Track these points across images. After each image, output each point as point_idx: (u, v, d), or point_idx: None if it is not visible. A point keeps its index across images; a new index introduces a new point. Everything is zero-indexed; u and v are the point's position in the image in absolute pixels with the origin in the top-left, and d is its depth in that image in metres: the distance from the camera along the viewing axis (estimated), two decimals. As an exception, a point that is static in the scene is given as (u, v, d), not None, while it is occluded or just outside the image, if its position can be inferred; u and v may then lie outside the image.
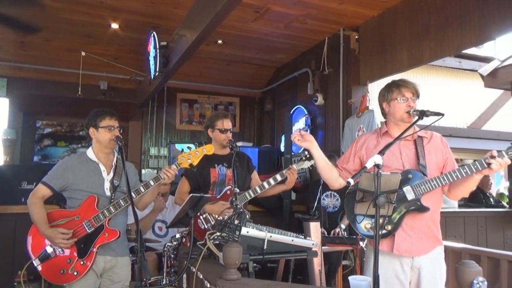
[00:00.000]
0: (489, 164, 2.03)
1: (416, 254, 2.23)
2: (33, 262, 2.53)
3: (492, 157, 2.03)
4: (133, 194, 2.52)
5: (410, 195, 2.19)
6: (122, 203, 2.54)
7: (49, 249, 2.52)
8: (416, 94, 2.31)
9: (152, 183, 2.57)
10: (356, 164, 2.42)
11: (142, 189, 2.58)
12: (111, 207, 2.54)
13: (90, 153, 2.70)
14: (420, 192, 2.18)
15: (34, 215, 2.54)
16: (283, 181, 3.05)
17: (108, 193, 2.63)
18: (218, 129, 3.14)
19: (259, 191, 2.99)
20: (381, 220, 2.16)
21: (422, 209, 2.20)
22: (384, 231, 2.20)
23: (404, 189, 2.19)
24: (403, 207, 2.21)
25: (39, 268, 2.52)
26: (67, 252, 2.52)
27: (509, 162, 2.04)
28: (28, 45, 5.48)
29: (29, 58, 5.80)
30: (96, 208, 2.55)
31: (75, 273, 2.49)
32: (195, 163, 2.60)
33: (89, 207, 2.55)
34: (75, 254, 2.51)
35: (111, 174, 2.67)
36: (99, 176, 2.64)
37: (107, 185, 2.64)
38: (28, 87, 6.06)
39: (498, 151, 2.04)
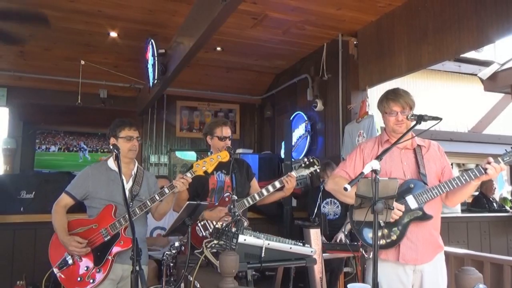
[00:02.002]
0: (485, 170, 2.08)
1: (421, 262, 2.25)
2: (53, 269, 2.60)
3: (488, 163, 2.08)
4: (148, 203, 2.59)
5: (413, 204, 2.22)
6: (137, 211, 2.57)
7: (68, 257, 2.59)
8: (408, 107, 2.30)
9: (166, 191, 2.59)
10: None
11: (157, 197, 2.60)
12: (127, 215, 2.53)
13: (110, 162, 2.76)
14: (422, 201, 2.22)
15: (55, 222, 2.61)
16: (281, 188, 3.02)
17: None
18: (217, 136, 3.12)
19: (257, 198, 2.96)
20: (386, 230, 2.23)
21: (426, 217, 2.23)
22: (389, 241, 2.23)
23: (407, 198, 2.23)
24: (407, 216, 2.23)
25: (59, 275, 2.59)
26: (84, 259, 2.57)
27: (505, 168, 2.09)
28: (27, 55, 5.51)
29: (28, 67, 5.82)
30: (114, 216, 2.60)
31: (91, 281, 2.54)
32: (210, 170, 2.63)
33: (106, 216, 2.61)
34: (92, 262, 2.56)
35: (130, 183, 2.73)
36: (118, 185, 2.66)
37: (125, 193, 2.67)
38: (28, 96, 6.09)
39: (495, 158, 2.09)
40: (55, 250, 2.63)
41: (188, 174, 2.60)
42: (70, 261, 2.58)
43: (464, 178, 2.13)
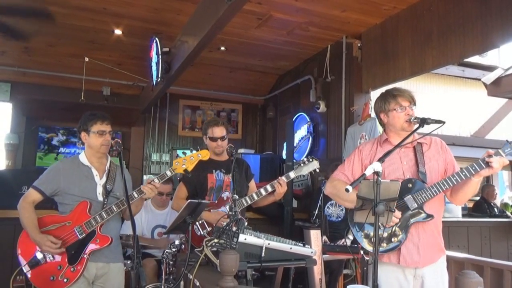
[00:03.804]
0: (488, 164, 2.00)
1: (422, 265, 2.20)
2: (23, 268, 2.47)
3: (490, 156, 2.00)
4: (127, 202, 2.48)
5: (412, 205, 2.17)
6: (114, 208, 2.48)
7: (39, 255, 2.46)
8: (413, 102, 2.28)
9: (135, 195, 2.52)
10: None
11: (135, 194, 2.54)
12: (103, 212, 2.47)
13: (82, 157, 2.63)
14: (421, 201, 2.16)
15: (23, 219, 2.47)
16: (274, 192, 3.03)
17: (100, 198, 2.56)
18: (209, 136, 3.15)
19: (256, 197, 2.97)
20: (386, 234, 2.17)
21: (427, 217, 2.18)
22: (391, 246, 2.18)
23: (405, 199, 2.17)
24: (408, 217, 2.19)
25: (29, 274, 2.46)
26: (57, 258, 2.45)
27: (507, 161, 2.02)
28: (32, 51, 5.52)
29: (33, 63, 5.84)
30: (88, 213, 2.48)
31: (65, 280, 2.42)
32: (189, 169, 2.57)
33: (81, 213, 2.49)
34: (66, 260, 2.44)
35: (104, 179, 2.60)
36: (91, 180, 2.58)
37: (99, 189, 2.58)
38: (32, 92, 6.09)
39: (495, 150, 2.01)
40: (24, 248, 2.49)
41: (168, 172, 2.54)
42: (41, 260, 2.45)
43: (464, 174, 2.07)
